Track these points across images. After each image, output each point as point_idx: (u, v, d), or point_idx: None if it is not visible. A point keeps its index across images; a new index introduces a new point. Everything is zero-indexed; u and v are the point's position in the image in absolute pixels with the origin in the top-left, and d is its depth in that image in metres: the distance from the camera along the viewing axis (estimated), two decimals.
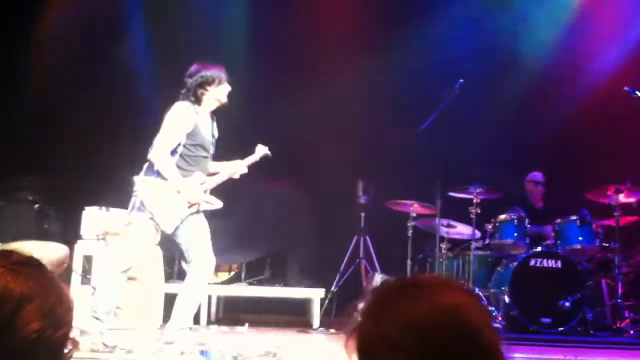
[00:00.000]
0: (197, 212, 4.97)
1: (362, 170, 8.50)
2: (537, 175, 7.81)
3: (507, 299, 6.49)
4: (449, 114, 6.94)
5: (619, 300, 6.51)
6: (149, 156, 4.88)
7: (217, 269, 7.75)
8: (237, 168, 5.22)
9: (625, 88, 6.83)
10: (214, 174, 5.17)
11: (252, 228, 7.92)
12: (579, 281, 6.49)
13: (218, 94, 5.02)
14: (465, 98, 7.13)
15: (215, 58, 8.21)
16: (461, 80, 6.94)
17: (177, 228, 4.88)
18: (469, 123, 8.20)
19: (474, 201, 6.91)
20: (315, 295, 7.15)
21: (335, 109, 8.29)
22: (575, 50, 8.73)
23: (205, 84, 4.95)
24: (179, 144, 4.89)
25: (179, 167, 4.87)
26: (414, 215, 7.30)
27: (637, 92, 6.76)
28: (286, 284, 7.62)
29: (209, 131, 5.08)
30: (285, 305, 7.63)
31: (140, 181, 4.86)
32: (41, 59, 7.89)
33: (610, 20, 8.58)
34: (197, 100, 4.98)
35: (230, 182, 7.64)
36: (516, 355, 5.63)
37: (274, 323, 6.96)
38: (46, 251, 4.74)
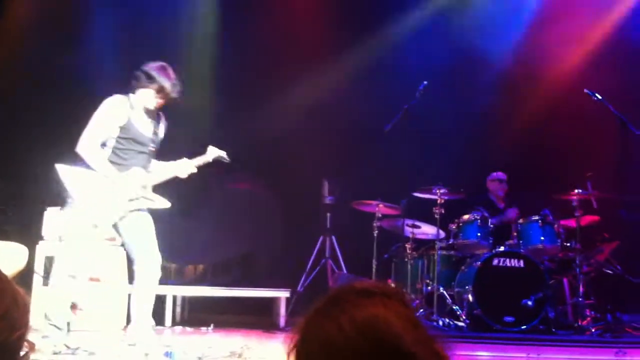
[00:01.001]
0: (139, 209, 4.89)
1: (327, 170, 8.52)
2: (499, 175, 7.90)
3: (470, 298, 6.56)
4: (413, 115, 6.99)
5: (580, 299, 6.62)
6: (76, 148, 4.78)
7: (184, 270, 7.72)
8: (183, 167, 5.06)
9: (586, 90, 6.94)
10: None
11: (219, 229, 7.89)
12: (541, 280, 6.57)
13: (150, 97, 4.86)
14: (430, 99, 7.20)
15: (183, 58, 8.30)
16: (425, 82, 7.00)
17: (117, 226, 4.80)
18: (434, 124, 8.27)
19: (438, 202, 6.96)
20: (281, 295, 7.14)
21: (301, 110, 8.30)
22: (540, 52, 8.85)
23: (145, 82, 4.83)
24: (110, 137, 4.78)
25: (111, 161, 4.76)
26: (380, 215, 7.33)
27: (596, 95, 6.88)
28: (252, 285, 7.58)
29: (148, 128, 4.95)
30: (252, 306, 7.60)
31: (65, 170, 4.71)
32: None
33: (573, 22, 8.72)
34: (137, 95, 4.88)
35: (198, 182, 7.62)
36: (480, 354, 5.71)
37: (240, 324, 6.93)
38: (4, 252, 4.66)
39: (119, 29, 7.99)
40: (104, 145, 4.79)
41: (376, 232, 7.28)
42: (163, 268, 7.03)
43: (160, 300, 6.78)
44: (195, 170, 5.14)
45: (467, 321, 6.57)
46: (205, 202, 8.02)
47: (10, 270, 4.54)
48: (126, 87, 4.94)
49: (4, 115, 7.54)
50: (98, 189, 4.72)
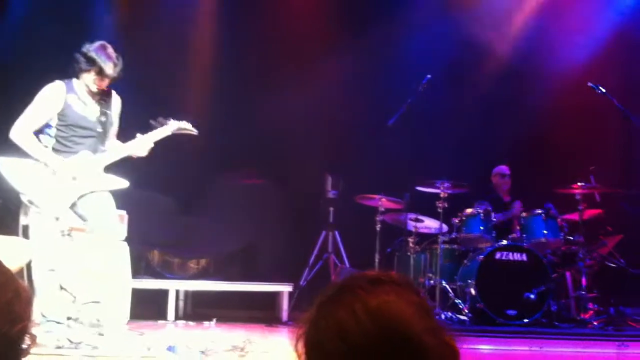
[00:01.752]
0: (95, 191, 4.84)
1: (331, 165, 8.53)
2: (503, 168, 7.90)
3: (473, 292, 6.56)
4: (417, 109, 6.99)
5: (582, 293, 6.62)
6: (9, 135, 4.73)
7: (187, 264, 7.74)
8: (139, 144, 5.00)
9: (589, 84, 6.93)
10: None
11: (221, 223, 7.90)
12: (543, 274, 6.58)
13: (92, 79, 4.79)
14: (433, 93, 7.20)
15: (184, 53, 8.32)
16: (429, 76, 7.00)
17: (76, 211, 4.78)
18: (437, 118, 8.27)
19: (441, 195, 6.96)
20: (284, 289, 7.15)
21: (305, 105, 8.30)
22: (544, 46, 8.83)
23: (84, 65, 4.75)
24: (48, 125, 4.77)
25: (56, 149, 4.75)
26: (382, 209, 7.34)
27: (600, 88, 6.86)
28: (255, 279, 7.60)
29: (92, 111, 4.88)
30: (254, 300, 7.62)
31: (5, 163, 4.67)
32: None
33: (578, 16, 8.70)
34: (80, 78, 4.84)
35: (199, 176, 7.62)
36: (483, 347, 5.72)
37: (242, 318, 6.94)
38: (7, 246, 4.68)
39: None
40: (48, 134, 4.77)
41: (379, 226, 7.28)
42: (166, 262, 7.09)
43: (162, 295, 6.82)
44: (152, 146, 5.07)
45: (470, 315, 6.58)
46: (208, 197, 8.03)
47: (14, 265, 4.55)
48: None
49: None
50: (41, 179, 4.69)
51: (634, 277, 6.77)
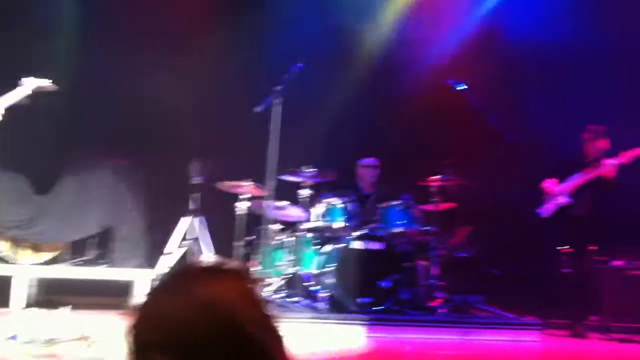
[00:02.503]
0: None
1: (196, 150, 8.45)
2: (371, 160, 8.02)
3: (331, 280, 6.71)
4: (287, 97, 7.03)
5: (432, 281, 6.92)
6: None
7: (41, 249, 7.47)
8: None
9: (448, 81, 7.22)
10: None
11: (78, 206, 7.67)
12: (398, 263, 6.81)
13: None
14: (304, 81, 7.27)
15: (47, 25, 7.98)
16: (300, 64, 7.04)
17: None
18: (307, 106, 8.36)
19: (305, 184, 7.06)
20: (144, 276, 7.05)
21: (173, 89, 8.17)
22: (411, 41, 9.10)
23: None
24: None
25: None
26: (247, 196, 7.36)
27: (459, 86, 7.16)
28: (113, 265, 7.44)
29: None
30: (113, 287, 7.46)
31: None
32: None
33: (443, 13, 9.01)
34: None
35: (55, 154, 7.32)
36: (338, 334, 5.89)
37: (99, 305, 6.80)
38: None
39: None
40: None
41: (242, 213, 7.31)
42: (17, 247, 6.79)
43: (5, 281, 6.55)
44: (2, 112, 4.85)
45: (327, 302, 6.73)
46: (67, 178, 7.77)
47: None
48: None
49: None
50: None
51: (479, 267, 7.12)
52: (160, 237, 7.94)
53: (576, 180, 7.05)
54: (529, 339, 6.28)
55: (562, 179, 7.23)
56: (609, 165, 6.79)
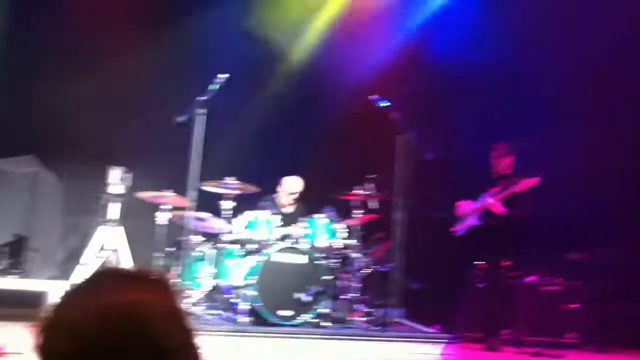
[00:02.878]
0: None
1: (116, 159, 8.29)
2: (293, 183, 7.87)
3: (252, 292, 6.67)
4: (211, 108, 6.98)
5: (353, 295, 6.97)
6: None
7: None
8: None
9: (372, 97, 7.33)
10: None
11: None
12: (319, 276, 6.84)
13: None
14: (228, 93, 7.23)
15: None
16: (226, 75, 7.00)
17: None
18: (232, 118, 8.33)
19: (228, 196, 7.01)
20: (58, 287, 6.82)
21: (92, 95, 8.01)
22: (336, 56, 9.20)
23: None
24: None
25: None
26: (168, 207, 7.25)
27: (382, 102, 7.28)
28: (26, 275, 7.18)
29: None
30: (27, 298, 7.19)
31: None
32: None
33: (371, 27, 9.15)
34: None
35: None
36: (258, 346, 5.85)
37: (9, 317, 6.53)
38: None
39: None
40: None
41: (163, 223, 7.18)
42: None
43: None
44: None
45: (248, 315, 6.69)
46: None
47: None
48: None
49: None
50: None
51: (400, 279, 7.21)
52: (76, 247, 7.72)
53: (483, 203, 7.26)
54: (446, 352, 6.40)
55: (475, 197, 7.47)
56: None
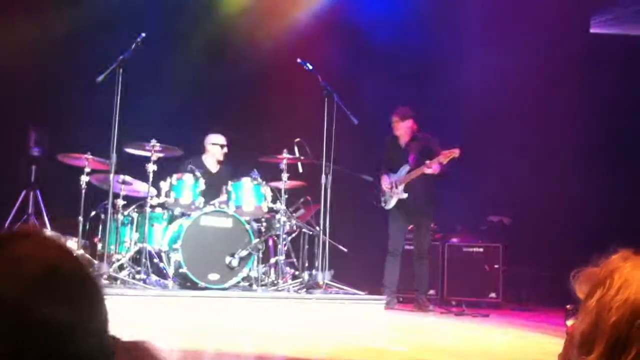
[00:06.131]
0: None
1: (35, 120, 7.97)
2: (217, 137, 7.86)
3: (178, 257, 6.58)
4: (130, 68, 6.76)
5: (281, 258, 6.98)
6: None
7: None
8: None
9: (298, 60, 7.27)
10: None
11: None
12: (246, 239, 6.79)
13: None
14: (148, 52, 7.03)
15: None
16: (143, 34, 6.80)
17: None
18: (151, 78, 8.11)
19: (152, 158, 6.85)
20: None
21: (7, 54, 7.64)
22: (257, 17, 9.07)
23: None
24: None
25: None
26: (88, 170, 7.01)
27: (308, 65, 7.24)
28: None
29: None
30: None
31: None
32: None
33: None
34: None
35: None
36: (184, 311, 5.80)
37: None
38: None
39: None
40: None
41: (84, 187, 6.94)
42: None
43: None
44: None
45: (174, 279, 6.60)
46: None
47: None
48: None
49: None
50: None
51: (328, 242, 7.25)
52: None
53: (404, 175, 7.41)
54: (375, 312, 6.51)
55: (389, 166, 7.60)
56: (432, 166, 7.20)
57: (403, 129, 7.57)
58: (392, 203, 7.50)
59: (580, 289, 1.11)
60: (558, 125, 8.96)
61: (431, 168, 7.22)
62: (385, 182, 7.55)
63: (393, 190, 7.48)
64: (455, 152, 7.17)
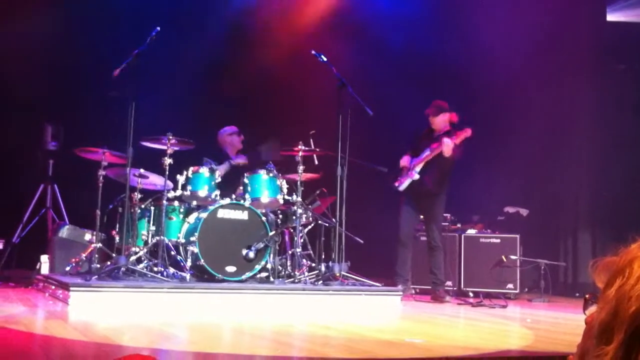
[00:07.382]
0: None
1: (51, 114, 8.02)
2: (232, 128, 7.97)
3: (195, 249, 6.61)
4: (144, 61, 6.78)
5: (298, 250, 6.99)
6: None
7: None
8: None
9: (313, 52, 7.26)
10: None
11: None
12: (262, 232, 6.82)
13: None
14: (163, 46, 7.05)
15: None
16: (158, 28, 6.82)
17: None
18: (166, 72, 8.14)
19: (167, 152, 6.87)
20: None
21: (24, 49, 7.69)
22: (272, 7, 9.06)
23: None
24: None
25: None
26: (105, 163, 7.06)
27: (322, 57, 7.22)
28: None
29: None
30: None
31: None
32: None
33: None
34: None
35: None
36: (204, 302, 5.82)
37: None
38: None
39: None
40: None
41: (101, 181, 7.00)
42: None
43: None
44: None
45: (192, 272, 6.64)
46: None
47: None
48: None
49: None
50: None
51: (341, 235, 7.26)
52: (14, 206, 7.49)
53: (423, 157, 7.43)
54: (391, 304, 6.51)
55: (415, 153, 7.60)
56: (446, 145, 7.20)
57: (438, 123, 7.58)
58: (405, 184, 7.55)
59: (599, 278, 1.10)
60: (574, 115, 8.90)
61: (445, 144, 7.21)
62: (404, 161, 7.59)
63: (409, 172, 7.51)
64: (468, 132, 7.22)
